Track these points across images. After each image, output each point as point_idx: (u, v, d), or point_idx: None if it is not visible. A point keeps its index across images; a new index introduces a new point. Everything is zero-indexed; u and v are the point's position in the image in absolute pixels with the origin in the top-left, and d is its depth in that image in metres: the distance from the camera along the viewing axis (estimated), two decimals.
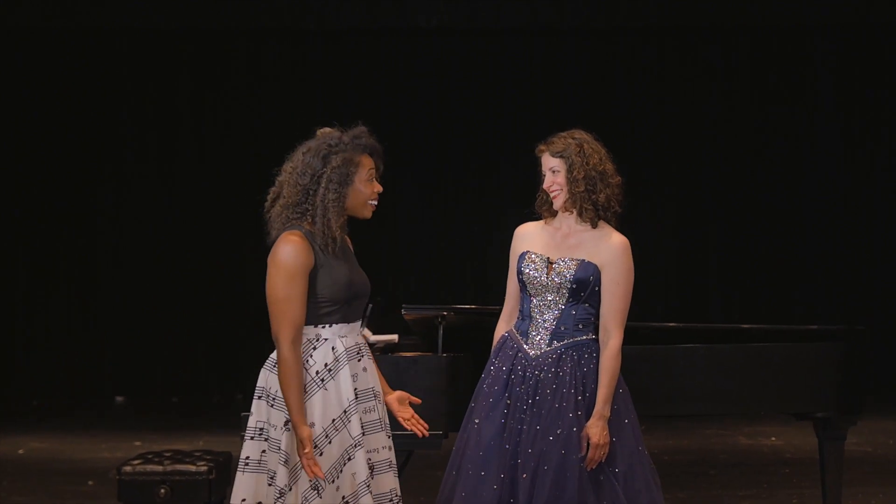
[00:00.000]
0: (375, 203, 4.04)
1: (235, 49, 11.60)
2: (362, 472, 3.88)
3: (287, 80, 11.55)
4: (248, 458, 3.96)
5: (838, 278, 11.64)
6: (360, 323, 4.04)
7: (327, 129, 4.04)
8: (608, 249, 4.27)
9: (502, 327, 4.42)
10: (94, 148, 11.54)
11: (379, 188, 4.04)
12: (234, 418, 5.61)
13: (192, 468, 5.71)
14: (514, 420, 4.22)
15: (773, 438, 9.15)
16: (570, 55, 11.68)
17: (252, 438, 3.96)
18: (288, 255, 3.87)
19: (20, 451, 8.89)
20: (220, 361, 11.42)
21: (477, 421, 4.27)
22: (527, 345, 4.29)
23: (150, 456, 5.87)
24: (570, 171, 4.28)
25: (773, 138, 11.70)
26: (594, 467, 4.16)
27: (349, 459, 3.89)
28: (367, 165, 4.00)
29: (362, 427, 3.92)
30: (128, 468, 5.73)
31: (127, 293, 11.49)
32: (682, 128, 11.69)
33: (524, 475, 4.16)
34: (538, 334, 4.28)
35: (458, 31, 11.44)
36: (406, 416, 4.09)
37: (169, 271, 11.47)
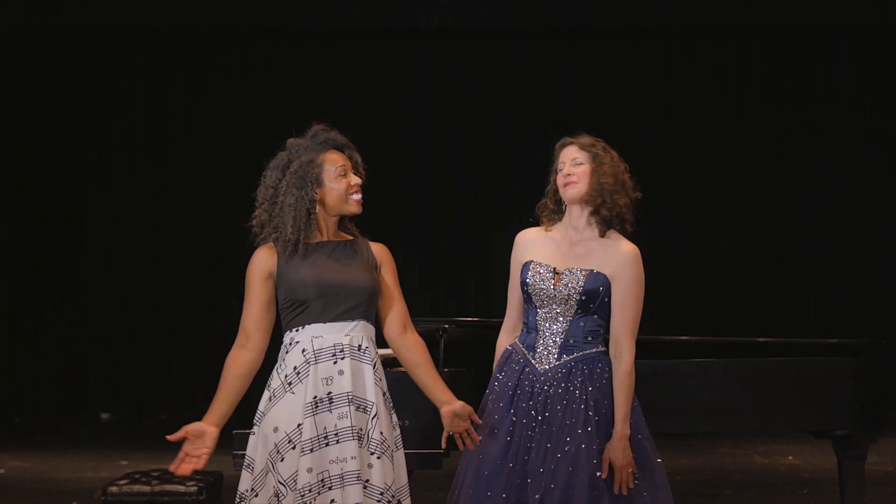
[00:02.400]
0: (358, 196, 4.10)
1: (231, 49, 11.62)
2: (303, 479, 3.92)
3: (284, 81, 11.57)
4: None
5: (858, 289, 11.64)
6: (346, 324, 4.03)
7: (293, 140, 4.16)
8: (618, 259, 4.27)
9: (504, 340, 4.41)
10: (82, 154, 11.55)
11: (356, 180, 4.10)
12: (225, 437, 5.60)
13: (182, 489, 5.71)
14: (522, 438, 4.20)
15: (791, 457, 9.14)
16: (573, 55, 11.70)
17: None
18: (250, 266, 4.12)
19: (1, 471, 8.88)
20: (210, 377, 11.39)
21: (480, 439, 4.24)
22: (534, 359, 4.27)
23: (137, 476, 5.86)
24: (598, 165, 4.29)
25: (787, 143, 11.71)
26: (630, 488, 4.15)
27: (297, 470, 3.93)
28: (334, 161, 4.08)
29: (320, 435, 3.94)
30: (114, 488, 5.72)
31: (114, 305, 11.49)
32: (694, 131, 11.70)
33: (536, 496, 4.13)
34: (546, 348, 4.26)
35: (459, 31, 11.46)
36: (459, 429, 4.14)
37: (158, 282, 11.47)
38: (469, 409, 4.14)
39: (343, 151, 4.12)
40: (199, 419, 4.13)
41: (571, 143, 4.38)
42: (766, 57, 11.70)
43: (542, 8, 11.24)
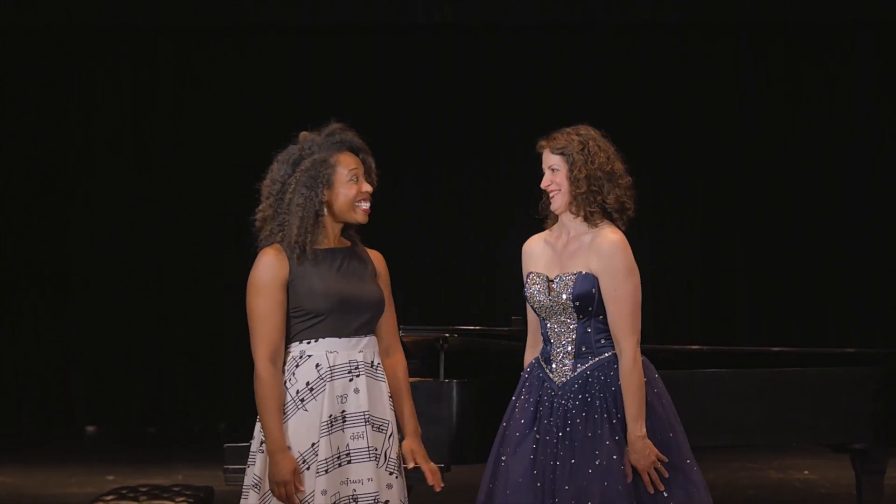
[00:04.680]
0: (365, 205, 4.03)
1: (221, 48, 11.62)
2: (318, 501, 3.88)
3: (277, 80, 11.57)
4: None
5: (878, 296, 11.63)
6: (360, 339, 4.01)
7: (306, 133, 4.09)
8: (599, 254, 4.20)
9: (530, 355, 4.38)
10: (65, 157, 11.55)
11: (367, 188, 4.04)
12: (216, 450, 5.60)
13: None
14: (546, 455, 4.16)
15: (806, 472, 9.13)
16: (581, 53, 11.70)
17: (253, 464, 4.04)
18: (258, 270, 3.96)
19: None
20: (200, 388, 11.41)
21: (504, 458, 4.20)
22: (552, 373, 4.25)
23: (124, 491, 5.86)
24: (571, 169, 4.24)
25: (804, 145, 11.71)
26: (663, 492, 4.13)
27: (314, 491, 3.91)
28: (347, 164, 4.02)
29: (337, 455, 3.91)
30: None
31: (99, 313, 11.48)
32: (707, 133, 11.70)
33: None
34: (561, 359, 4.24)
35: (461, 28, 11.45)
36: (409, 466, 4.06)
37: (146, 289, 11.46)
38: (418, 451, 4.07)
39: (358, 155, 4.07)
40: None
41: (544, 147, 4.30)
42: (783, 55, 11.70)
43: (549, 4, 11.23)
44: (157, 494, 5.79)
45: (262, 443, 3.95)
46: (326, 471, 3.90)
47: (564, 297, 4.20)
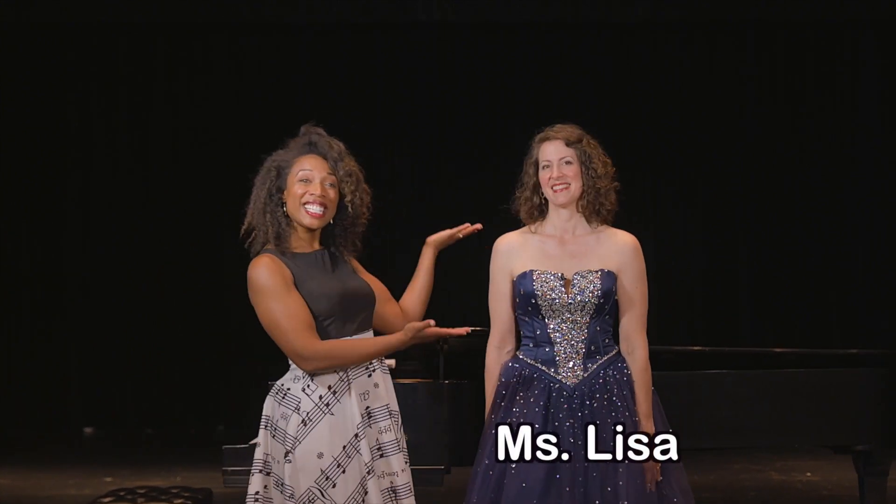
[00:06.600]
0: (313, 208, 3.97)
1: (218, 46, 11.61)
2: (374, 500, 3.89)
3: (274, 79, 11.55)
4: (256, 493, 3.96)
5: (880, 297, 11.62)
6: (366, 335, 4.01)
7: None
8: (621, 252, 4.22)
9: (496, 356, 4.31)
10: (61, 157, 11.53)
11: (314, 189, 3.97)
12: (214, 452, 5.60)
13: None
14: (571, 458, 4.11)
15: (809, 474, 9.13)
16: (581, 52, 11.69)
17: (259, 472, 3.97)
18: (263, 277, 3.92)
19: None
20: (198, 389, 11.39)
21: (514, 467, 4.13)
22: (559, 374, 4.21)
23: (121, 493, 5.86)
24: (587, 164, 4.22)
25: (808, 145, 11.70)
26: (653, 488, 4.14)
27: (367, 492, 3.89)
28: (301, 165, 4.00)
29: (371, 451, 3.92)
30: None
31: (97, 314, 11.46)
32: (708, 132, 11.69)
33: None
34: (568, 360, 4.21)
35: (461, 26, 11.44)
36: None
37: (143, 291, 11.44)
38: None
39: (325, 158, 4.04)
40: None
41: (556, 137, 4.28)
42: (784, 54, 11.69)
43: (549, 2, 11.22)
44: (155, 496, 5.79)
45: (286, 454, 3.88)
46: (373, 471, 3.90)
47: (589, 294, 4.16)
